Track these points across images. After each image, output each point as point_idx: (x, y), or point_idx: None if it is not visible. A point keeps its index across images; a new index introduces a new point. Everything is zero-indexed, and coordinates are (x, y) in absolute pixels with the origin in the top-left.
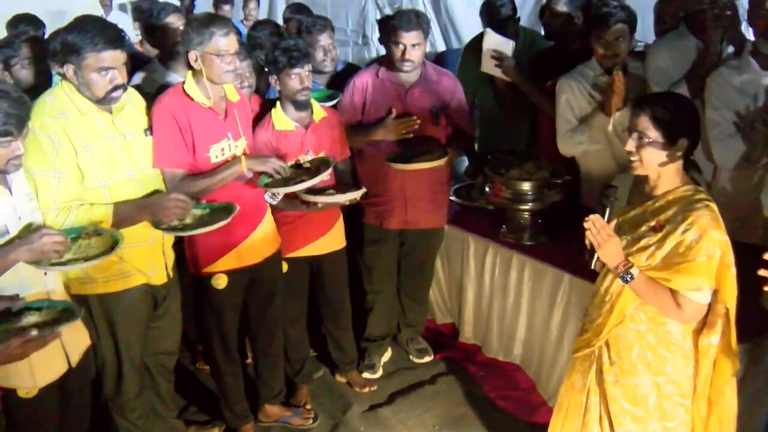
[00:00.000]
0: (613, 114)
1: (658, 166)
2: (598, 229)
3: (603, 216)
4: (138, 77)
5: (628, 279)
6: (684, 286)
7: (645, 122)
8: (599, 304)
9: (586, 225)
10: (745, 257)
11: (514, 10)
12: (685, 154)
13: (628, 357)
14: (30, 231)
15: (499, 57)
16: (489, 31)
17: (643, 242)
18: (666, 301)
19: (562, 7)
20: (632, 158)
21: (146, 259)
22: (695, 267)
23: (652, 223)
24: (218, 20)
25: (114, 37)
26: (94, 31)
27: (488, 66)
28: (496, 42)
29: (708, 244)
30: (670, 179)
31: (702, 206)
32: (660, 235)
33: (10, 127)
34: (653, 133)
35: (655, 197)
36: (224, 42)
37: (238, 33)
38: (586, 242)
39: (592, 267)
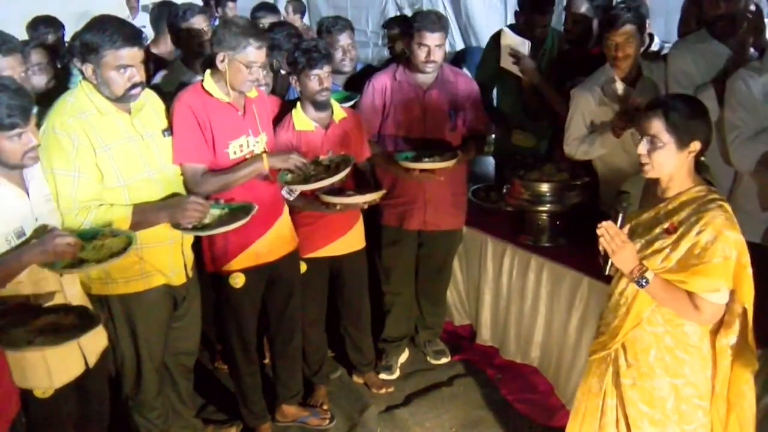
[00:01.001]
0: (620, 137)
1: (669, 169)
2: (611, 236)
3: (616, 222)
4: (159, 76)
5: (644, 284)
6: (701, 288)
7: (657, 126)
8: (615, 307)
9: (599, 232)
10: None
11: None
12: (696, 156)
13: (646, 359)
14: (43, 233)
15: (515, 56)
16: (506, 30)
17: (657, 245)
18: (683, 303)
19: (582, 10)
20: (643, 161)
21: (166, 259)
22: (712, 268)
23: (666, 226)
24: (257, 32)
25: (131, 34)
26: (111, 29)
27: (507, 63)
28: (512, 42)
29: (723, 245)
30: (682, 181)
31: (715, 206)
32: (674, 237)
33: (15, 119)
34: (666, 137)
35: (668, 199)
36: (256, 54)
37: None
38: (600, 248)
39: (607, 272)
